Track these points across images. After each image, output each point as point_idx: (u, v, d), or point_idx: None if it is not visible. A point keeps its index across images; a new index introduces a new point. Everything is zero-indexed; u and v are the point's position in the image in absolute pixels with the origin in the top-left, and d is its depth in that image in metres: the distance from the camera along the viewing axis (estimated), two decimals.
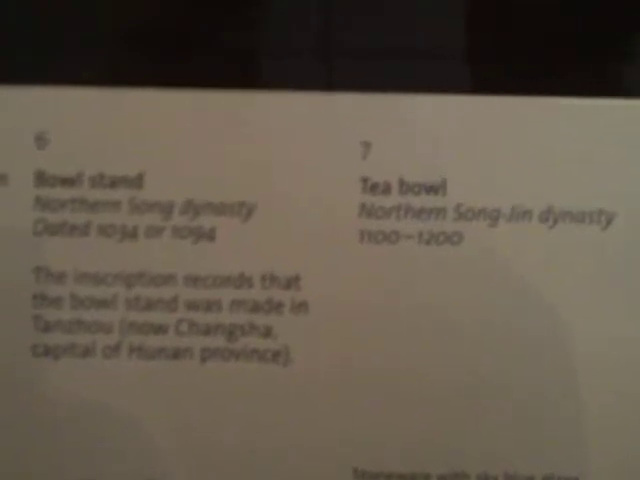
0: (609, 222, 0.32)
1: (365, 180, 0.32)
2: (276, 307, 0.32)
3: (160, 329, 0.32)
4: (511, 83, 0.43)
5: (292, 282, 0.32)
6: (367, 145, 0.32)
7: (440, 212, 0.32)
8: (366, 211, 0.32)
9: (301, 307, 0.32)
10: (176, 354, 0.32)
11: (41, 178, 0.32)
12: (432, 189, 0.32)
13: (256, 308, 0.32)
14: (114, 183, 0.32)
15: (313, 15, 0.45)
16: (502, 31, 0.46)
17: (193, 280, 0.32)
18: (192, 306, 0.32)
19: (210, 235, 0.32)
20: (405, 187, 0.32)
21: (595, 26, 0.42)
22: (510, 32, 0.42)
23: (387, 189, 0.32)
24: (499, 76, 0.44)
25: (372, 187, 0.32)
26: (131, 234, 0.32)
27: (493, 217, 0.32)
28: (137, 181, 0.32)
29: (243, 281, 0.32)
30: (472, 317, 0.32)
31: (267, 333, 0.32)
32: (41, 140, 0.32)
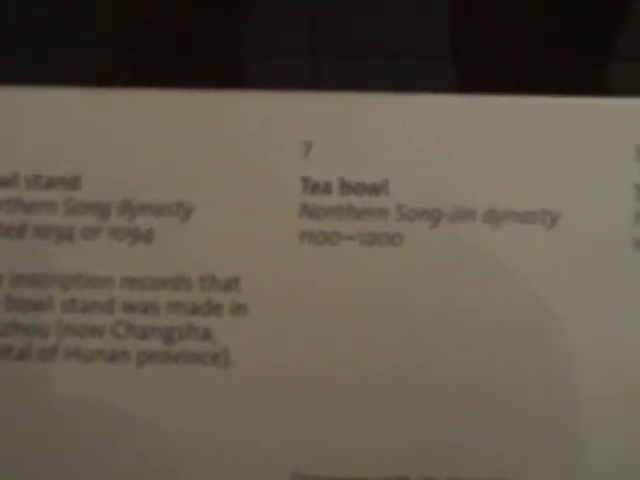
0: (554, 222, 0.31)
1: (306, 180, 0.31)
2: (215, 309, 0.31)
3: (97, 332, 0.31)
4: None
5: (231, 284, 0.31)
6: (308, 145, 0.31)
7: (382, 213, 0.31)
8: (307, 211, 0.31)
9: (241, 309, 0.31)
10: (113, 357, 0.31)
11: None
12: (374, 189, 0.32)
13: (195, 310, 0.31)
14: (50, 184, 0.31)
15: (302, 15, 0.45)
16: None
17: (130, 282, 0.31)
18: (129, 308, 0.31)
19: (148, 236, 0.31)
20: (346, 187, 0.32)
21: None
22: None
23: (328, 189, 0.31)
24: (460, 75, 0.44)
25: (313, 187, 0.31)
26: (67, 235, 0.31)
27: (435, 218, 0.31)
28: (74, 182, 0.31)
29: (181, 283, 0.31)
30: (413, 318, 0.31)
31: (206, 335, 0.31)
32: None
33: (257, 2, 0.46)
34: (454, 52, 0.47)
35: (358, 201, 0.31)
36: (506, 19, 0.46)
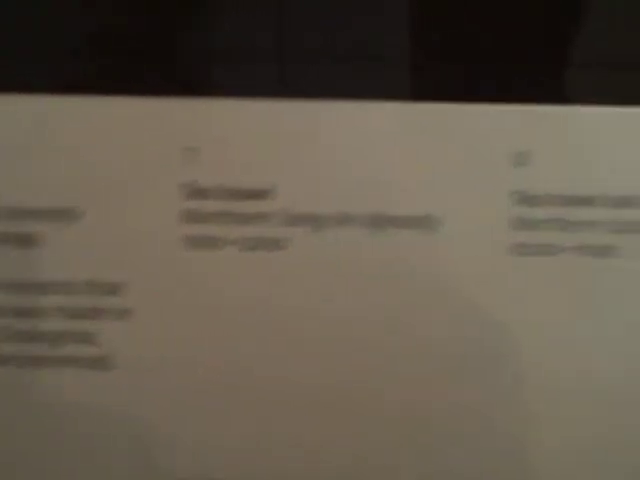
0: (434, 227, 0.32)
1: (189, 186, 0.32)
2: (100, 314, 0.32)
3: None
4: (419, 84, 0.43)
5: (116, 288, 0.32)
6: (192, 151, 0.32)
7: (265, 218, 0.32)
8: (190, 217, 0.32)
9: (125, 314, 0.32)
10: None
11: None
12: (257, 194, 0.32)
13: (80, 315, 0.32)
14: None
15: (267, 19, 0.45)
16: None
17: (16, 287, 0.32)
18: (15, 313, 0.32)
19: (34, 241, 0.32)
20: (229, 193, 0.32)
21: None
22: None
23: (211, 195, 0.32)
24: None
25: (196, 193, 0.32)
26: None
27: (319, 223, 0.32)
28: None
29: (67, 287, 0.32)
30: (297, 322, 0.32)
31: (91, 340, 0.32)
32: None
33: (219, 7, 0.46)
34: (412, 55, 0.47)
35: (241, 206, 0.32)
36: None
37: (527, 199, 0.32)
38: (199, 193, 0.32)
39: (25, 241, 0.32)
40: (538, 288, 0.32)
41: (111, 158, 0.32)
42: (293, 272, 0.32)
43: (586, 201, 0.32)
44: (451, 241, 0.32)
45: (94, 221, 0.32)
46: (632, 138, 0.32)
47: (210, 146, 0.32)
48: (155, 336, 0.32)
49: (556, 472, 0.32)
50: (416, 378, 0.32)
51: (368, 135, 0.32)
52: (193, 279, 0.32)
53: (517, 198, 0.32)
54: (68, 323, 0.32)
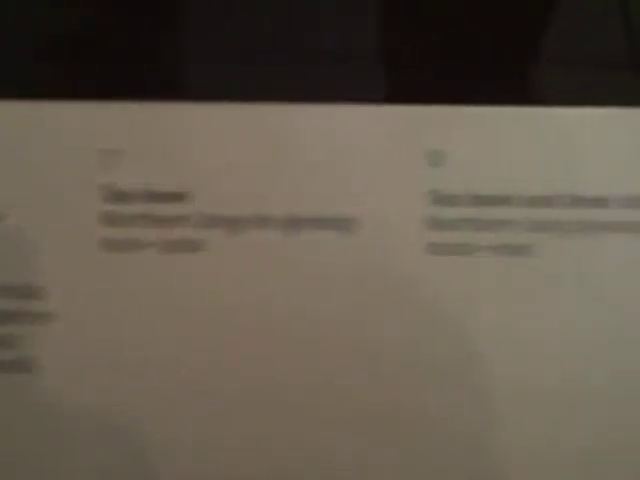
0: (353, 228, 0.32)
1: (108, 188, 0.32)
2: (21, 317, 0.32)
3: None
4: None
5: (36, 292, 0.32)
6: (112, 154, 0.32)
7: (182, 220, 0.32)
8: (109, 219, 0.32)
9: (46, 317, 0.32)
10: None
11: None
12: (175, 197, 0.32)
13: (1, 318, 0.32)
14: None
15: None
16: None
17: None
18: None
19: None
20: (148, 195, 0.32)
21: None
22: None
23: (131, 197, 0.32)
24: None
25: (115, 195, 0.32)
26: None
27: (236, 224, 0.32)
28: None
29: None
30: (215, 323, 0.32)
31: (12, 344, 0.32)
32: None
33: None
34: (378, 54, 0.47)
35: (159, 209, 0.32)
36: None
37: (443, 199, 0.32)
38: (118, 196, 0.32)
39: None
40: (455, 287, 0.32)
41: (31, 160, 0.32)
42: (211, 274, 0.32)
43: (502, 200, 0.32)
44: (368, 242, 0.32)
45: (14, 224, 0.32)
46: (546, 137, 0.32)
47: (129, 149, 0.32)
48: (77, 338, 0.32)
49: (505, 467, 0.32)
50: (328, 377, 0.32)
51: (284, 137, 0.32)
52: (113, 281, 0.32)
53: (433, 198, 0.32)
54: None
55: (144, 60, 0.44)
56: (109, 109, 0.32)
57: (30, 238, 0.32)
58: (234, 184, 0.32)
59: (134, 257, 0.32)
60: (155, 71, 0.43)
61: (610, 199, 0.32)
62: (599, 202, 0.32)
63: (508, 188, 0.32)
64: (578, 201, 0.32)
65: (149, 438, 0.32)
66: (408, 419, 0.32)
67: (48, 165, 0.32)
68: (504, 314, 0.32)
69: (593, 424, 0.32)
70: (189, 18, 0.48)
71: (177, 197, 0.32)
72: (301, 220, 0.32)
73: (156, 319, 0.32)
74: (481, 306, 0.32)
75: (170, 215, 0.32)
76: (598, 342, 0.32)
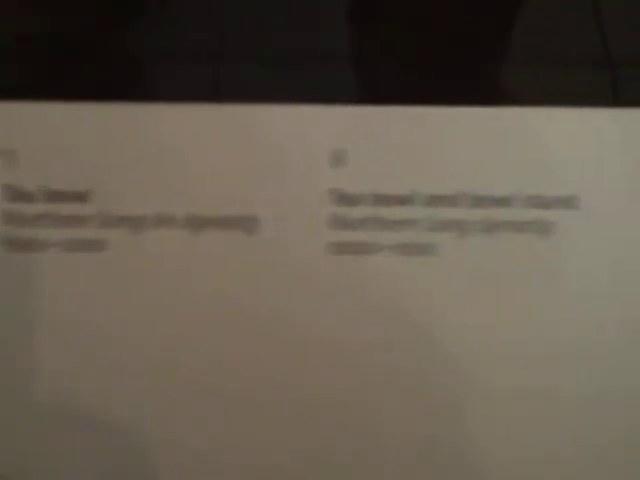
0: (255, 227, 0.32)
1: (10, 188, 0.32)
2: None
3: None
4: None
5: None
6: (10, 154, 0.32)
7: (84, 220, 0.32)
8: (11, 219, 0.32)
9: None
10: None
11: None
12: (76, 197, 0.32)
13: None
14: None
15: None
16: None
17: None
18: None
19: None
20: (49, 195, 0.32)
21: None
22: None
23: (32, 197, 0.32)
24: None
25: (17, 195, 0.32)
26: None
27: (137, 224, 0.32)
28: None
29: None
30: (119, 322, 0.32)
31: None
32: None
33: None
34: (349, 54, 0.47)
35: (62, 209, 0.32)
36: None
37: (345, 198, 0.32)
38: (20, 196, 0.32)
39: None
40: (356, 287, 0.32)
41: None
42: (114, 273, 0.32)
43: (404, 200, 0.32)
44: (270, 241, 0.32)
45: None
46: (447, 137, 0.32)
47: (29, 149, 0.32)
48: None
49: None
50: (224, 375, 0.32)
51: (187, 137, 0.32)
52: (17, 281, 0.32)
53: (335, 197, 0.32)
54: None
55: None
56: (8, 109, 0.32)
57: None
58: (136, 184, 0.32)
59: (38, 257, 0.32)
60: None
61: (512, 198, 0.32)
62: (501, 201, 0.32)
63: (410, 187, 0.32)
64: (480, 200, 0.32)
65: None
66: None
67: None
68: (404, 314, 0.32)
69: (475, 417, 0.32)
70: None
71: (79, 197, 0.32)
72: (203, 220, 0.32)
73: (60, 317, 0.32)
74: (382, 305, 0.32)
75: (72, 215, 0.32)
76: (500, 340, 0.32)
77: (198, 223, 0.32)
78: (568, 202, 0.32)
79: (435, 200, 0.32)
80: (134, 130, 0.32)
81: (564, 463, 0.32)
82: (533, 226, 0.32)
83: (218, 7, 0.43)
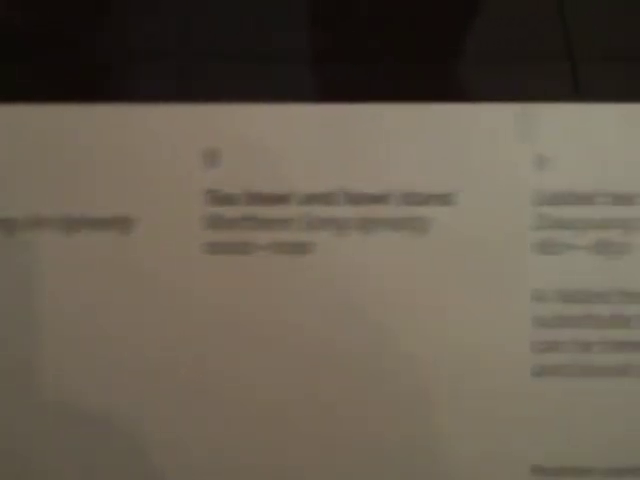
0: (131, 228, 0.32)
1: None
2: None
3: None
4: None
5: None
6: None
7: None
8: None
9: None
10: None
11: None
12: None
13: None
14: None
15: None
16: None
17: None
18: None
19: None
20: None
21: None
22: None
23: None
24: None
25: None
26: None
27: (11, 226, 0.32)
28: None
29: None
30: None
31: None
32: None
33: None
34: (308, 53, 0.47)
35: None
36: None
37: (219, 198, 0.32)
38: None
39: None
40: (233, 287, 0.32)
41: None
42: None
43: (279, 199, 0.32)
44: (146, 241, 0.32)
45: None
46: (322, 135, 0.32)
47: None
48: None
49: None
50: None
51: (59, 137, 0.32)
52: None
53: (210, 197, 0.32)
54: None
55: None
56: None
57: None
58: (8, 185, 0.32)
59: None
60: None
61: (389, 196, 0.32)
62: (378, 199, 0.32)
63: (285, 186, 0.32)
64: (356, 198, 0.32)
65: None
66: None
67: None
68: (281, 313, 0.32)
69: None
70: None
71: None
72: (77, 220, 0.32)
73: None
74: (259, 305, 0.32)
75: None
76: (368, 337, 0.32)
77: (72, 224, 0.32)
78: (444, 199, 0.32)
79: (311, 198, 0.32)
80: (7, 130, 0.32)
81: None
82: (409, 223, 0.32)
83: None
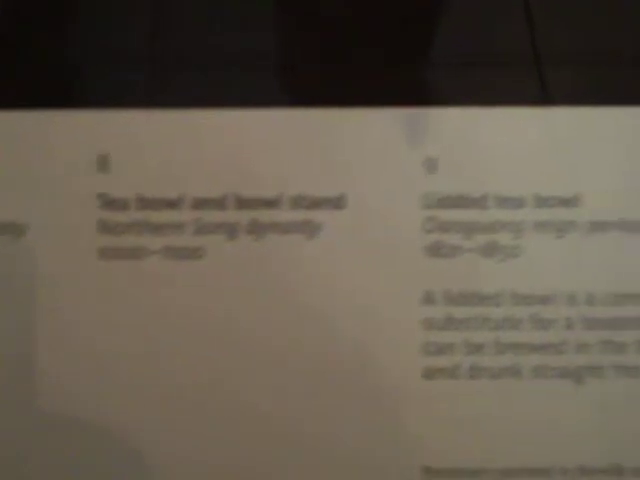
0: (22, 233, 0.32)
1: None
2: None
3: None
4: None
5: None
6: None
7: None
8: None
9: None
10: None
11: None
12: None
13: None
14: None
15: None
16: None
17: None
18: None
19: None
20: None
21: None
22: None
23: None
24: None
25: None
26: None
27: None
28: None
29: None
30: None
31: None
32: None
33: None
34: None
35: None
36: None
37: (111, 203, 0.32)
38: None
39: None
40: (126, 292, 0.32)
41: None
42: None
43: (171, 203, 0.32)
44: (38, 246, 0.32)
45: None
46: (213, 139, 0.32)
47: None
48: None
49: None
50: None
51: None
52: None
53: (102, 202, 0.32)
54: None
55: None
56: None
57: None
58: None
59: None
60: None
61: (280, 200, 0.32)
62: (269, 203, 0.32)
63: (176, 191, 0.32)
64: (247, 203, 0.32)
65: None
66: None
67: None
68: (175, 316, 0.32)
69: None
70: None
71: None
72: None
73: None
74: (152, 309, 0.32)
75: None
76: (273, 343, 0.32)
77: None
78: (335, 202, 0.32)
79: (202, 203, 0.32)
80: None
81: None
82: (300, 227, 0.32)
83: None
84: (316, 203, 0.32)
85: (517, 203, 0.32)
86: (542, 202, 0.32)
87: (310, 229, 0.32)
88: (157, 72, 0.46)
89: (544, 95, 0.46)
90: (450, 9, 0.47)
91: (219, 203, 0.32)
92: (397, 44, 0.46)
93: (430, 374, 0.32)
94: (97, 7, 0.46)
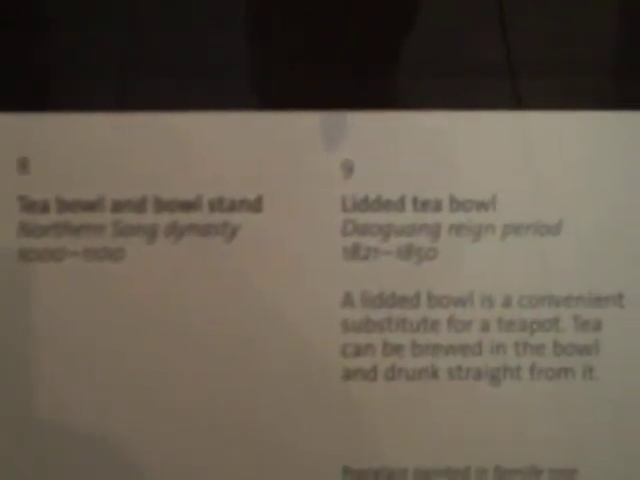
0: None
1: None
2: None
3: None
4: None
5: None
6: None
7: None
8: None
9: None
10: None
11: None
12: None
13: None
14: None
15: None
16: None
17: None
18: None
19: None
20: None
21: None
22: None
23: None
24: None
25: None
26: None
27: None
28: None
29: None
30: None
31: None
32: None
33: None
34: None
35: None
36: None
37: (31, 205, 0.32)
38: None
39: None
40: (46, 294, 0.32)
41: None
42: None
43: (90, 205, 0.32)
44: None
45: None
46: (134, 143, 0.32)
47: None
48: None
49: None
50: None
51: None
52: None
53: (22, 204, 0.32)
54: None
55: None
56: None
57: None
58: None
59: None
60: None
61: (199, 202, 0.32)
62: (188, 205, 0.32)
63: (96, 193, 0.32)
64: (166, 205, 0.32)
65: None
66: None
67: None
68: (95, 317, 0.32)
69: None
70: None
71: None
72: None
73: None
74: (72, 311, 0.32)
75: None
76: (206, 343, 0.33)
77: None
78: (253, 205, 0.32)
79: (121, 205, 0.32)
80: None
81: None
82: (218, 229, 0.32)
83: None
84: (234, 205, 0.32)
85: (434, 206, 0.33)
86: (458, 205, 0.33)
87: (227, 231, 0.32)
88: (127, 77, 0.46)
89: (518, 104, 0.46)
90: (423, 18, 0.47)
91: (138, 205, 0.32)
92: (368, 47, 0.46)
93: (349, 375, 0.33)
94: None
